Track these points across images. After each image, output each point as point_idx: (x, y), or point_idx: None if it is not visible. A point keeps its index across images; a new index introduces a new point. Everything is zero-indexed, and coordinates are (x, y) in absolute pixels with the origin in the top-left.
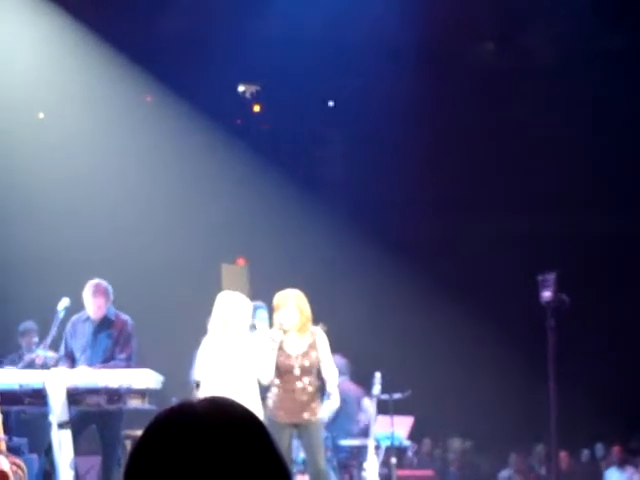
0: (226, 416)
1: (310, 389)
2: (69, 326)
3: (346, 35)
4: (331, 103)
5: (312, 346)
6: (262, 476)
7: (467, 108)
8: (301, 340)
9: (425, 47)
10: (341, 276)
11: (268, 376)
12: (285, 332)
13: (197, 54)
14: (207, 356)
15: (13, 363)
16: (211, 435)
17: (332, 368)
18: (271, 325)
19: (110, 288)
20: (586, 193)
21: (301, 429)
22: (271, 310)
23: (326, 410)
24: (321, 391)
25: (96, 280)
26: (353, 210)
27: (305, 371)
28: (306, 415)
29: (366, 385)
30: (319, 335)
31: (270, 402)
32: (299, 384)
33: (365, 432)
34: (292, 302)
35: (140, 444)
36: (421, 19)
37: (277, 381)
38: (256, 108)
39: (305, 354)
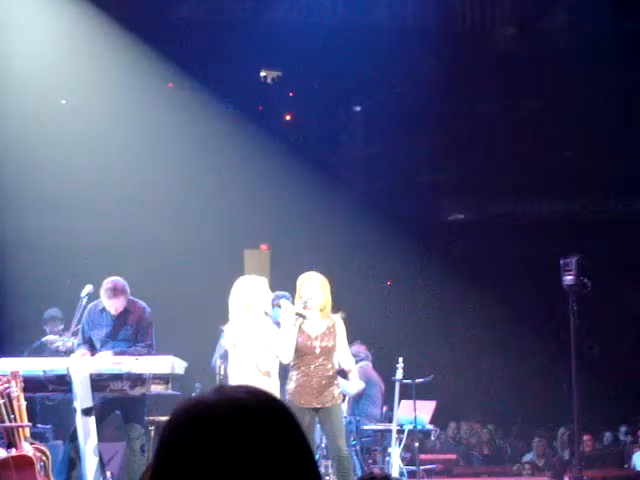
0: (261, 408)
1: (330, 372)
2: (86, 315)
3: (366, 18)
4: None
5: (331, 330)
6: (290, 470)
7: (487, 92)
8: (321, 322)
9: (446, 30)
10: (362, 262)
11: (288, 354)
12: (308, 309)
13: (218, 40)
14: (230, 341)
15: (37, 351)
16: (243, 429)
17: (349, 355)
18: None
19: (126, 284)
20: (605, 177)
21: (322, 414)
22: (294, 300)
23: (354, 386)
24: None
25: (112, 280)
26: (374, 196)
27: (325, 352)
28: (326, 399)
29: (389, 370)
30: (338, 322)
31: (290, 386)
32: (319, 366)
33: (388, 417)
34: (317, 281)
35: (168, 442)
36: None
37: (297, 363)
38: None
39: (325, 336)
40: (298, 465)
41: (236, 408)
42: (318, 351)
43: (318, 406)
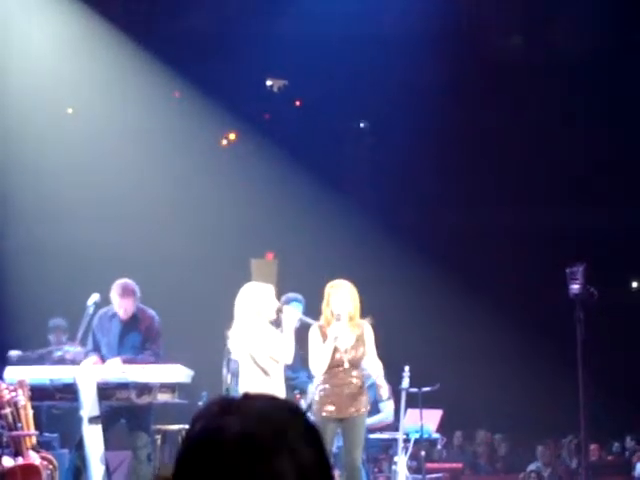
0: (283, 421)
1: (358, 383)
2: (96, 321)
3: (371, 28)
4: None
5: (360, 339)
6: None
7: (492, 102)
8: (350, 332)
9: (452, 40)
10: (368, 272)
11: (288, 357)
12: (339, 321)
13: (224, 49)
14: (237, 347)
15: (41, 359)
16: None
17: (377, 363)
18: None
19: (137, 287)
20: (613, 186)
21: (345, 423)
22: (306, 304)
23: (385, 391)
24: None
25: (123, 280)
26: (380, 205)
27: (353, 365)
28: (352, 410)
29: (395, 379)
30: (367, 328)
31: (317, 396)
32: (348, 378)
33: (394, 426)
34: (346, 290)
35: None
36: (448, 12)
37: (325, 375)
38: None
39: (353, 347)
40: None
41: (261, 443)
42: (347, 365)
43: (345, 416)
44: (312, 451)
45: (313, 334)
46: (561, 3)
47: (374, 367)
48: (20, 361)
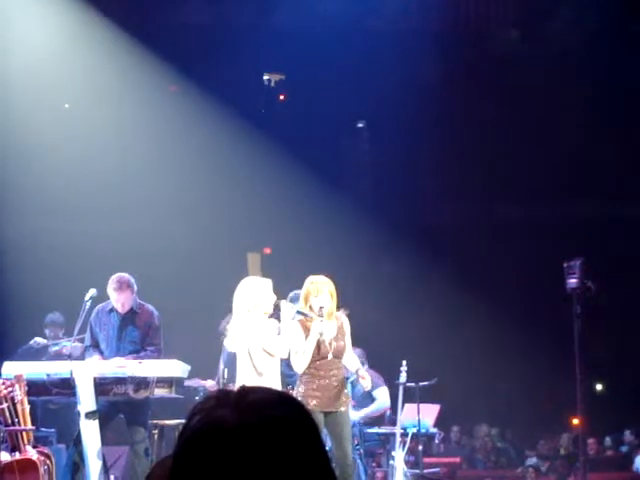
0: (281, 415)
1: (341, 376)
2: (94, 315)
3: (369, 22)
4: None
5: (340, 331)
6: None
7: (489, 95)
8: (330, 325)
9: (450, 33)
10: (365, 265)
11: (284, 352)
12: (322, 316)
13: (221, 43)
14: (234, 341)
15: (38, 354)
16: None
17: (352, 354)
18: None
19: (133, 280)
20: (612, 181)
21: (330, 418)
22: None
23: (368, 382)
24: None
25: (118, 274)
26: (378, 198)
27: (337, 356)
28: (337, 404)
29: (392, 373)
30: (344, 320)
31: (301, 390)
32: (331, 371)
33: (392, 420)
34: (326, 288)
35: (184, 467)
36: (448, 7)
37: (310, 368)
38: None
39: (336, 339)
40: (321, 474)
41: (259, 434)
42: (331, 356)
43: (332, 410)
44: (310, 442)
45: (295, 330)
46: None
47: (352, 359)
48: (23, 355)
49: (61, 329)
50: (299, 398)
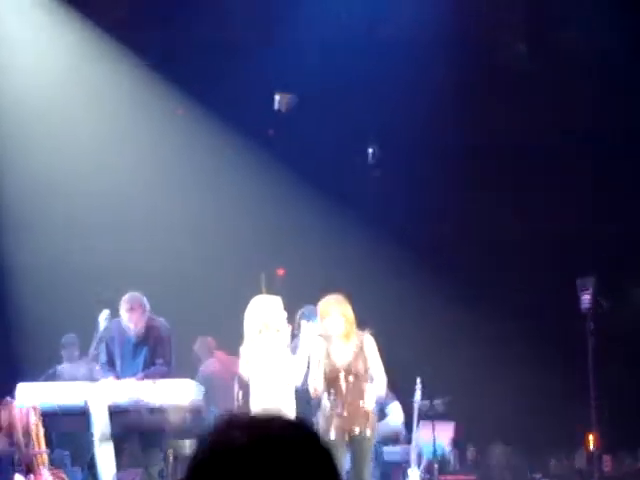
0: (294, 446)
1: (367, 399)
2: (109, 332)
3: (377, 36)
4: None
5: (359, 353)
6: None
7: (499, 107)
8: (347, 347)
9: (457, 44)
10: (375, 284)
11: (299, 378)
12: (329, 340)
13: (228, 63)
14: (247, 364)
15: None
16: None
17: (381, 374)
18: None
19: (145, 300)
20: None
21: (352, 443)
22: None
23: (396, 415)
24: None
25: (129, 294)
26: (386, 217)
27: (355, 378)
28: (358, 429)
29: (407, 391)
30: (367, 340)
31: (320, 418)
32: (353, 393)
33: (407, 438)
34: (336, 310)
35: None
36: (454, 16)
37: (325, 394)
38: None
39: (351, 363)
40: None
41: (269, 454)
42: (347, 382)
43: (355, 433)
44: (320, 465)
45: (314, 350)
46: (568, 6)
47: (378, 380)
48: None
49: (77, 350)
50: (323, 418)
